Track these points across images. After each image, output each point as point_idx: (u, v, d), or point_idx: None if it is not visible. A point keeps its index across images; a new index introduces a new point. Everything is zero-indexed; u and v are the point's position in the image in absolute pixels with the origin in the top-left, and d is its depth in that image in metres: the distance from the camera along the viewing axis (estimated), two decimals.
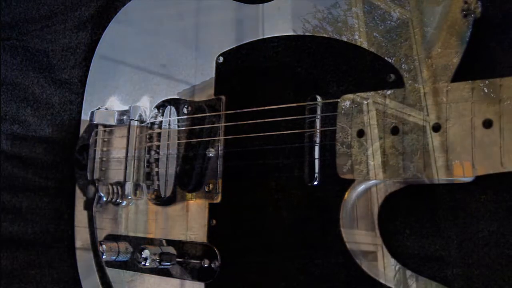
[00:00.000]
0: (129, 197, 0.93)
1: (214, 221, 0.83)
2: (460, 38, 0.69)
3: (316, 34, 0.78)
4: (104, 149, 0.99)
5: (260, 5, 0.85)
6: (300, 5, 0.81)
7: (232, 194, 0.82)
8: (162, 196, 0.90)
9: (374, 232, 0.71)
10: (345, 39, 0.76)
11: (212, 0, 0.91)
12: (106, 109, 1.00)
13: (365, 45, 0.74)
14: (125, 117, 0.96)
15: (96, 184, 0.91)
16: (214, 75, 0.87)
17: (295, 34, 0.81)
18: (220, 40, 0.88)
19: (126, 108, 0.97)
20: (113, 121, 0.98)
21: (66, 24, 1.10)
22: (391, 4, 0.74)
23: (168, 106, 0.92)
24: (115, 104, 1.00)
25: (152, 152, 0.92)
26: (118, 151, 0.97)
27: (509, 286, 0.70)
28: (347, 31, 0.76)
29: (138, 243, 0.90)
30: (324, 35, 0.78)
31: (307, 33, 0.80)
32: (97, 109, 1.00)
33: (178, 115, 0.90)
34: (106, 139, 0.99)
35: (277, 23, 0.83)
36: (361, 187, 0.72)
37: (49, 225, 1.07)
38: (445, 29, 0.70)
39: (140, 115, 0.94)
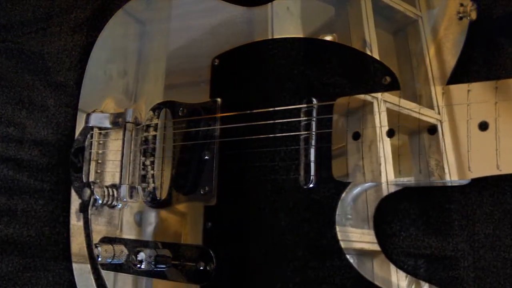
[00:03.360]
0: (125, 200, 0.92)
1: (210, 224, 0.83)
2: (456, 40, 0.69)
3: (317, 36, 0.78)
4: (100, 151, 0.99)
5: (264, 6, 0.85)
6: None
7: (227, 197, 0.82)
8: (158, 198, 0.90)
9: (370, 234, 0.71)
10: (342, 41, 0.76)
11: (211, 2, 0.91)
12: (102, 111, 1.00)
13: (367, 47, 0.74)
14: (120, 119, 0.96)
15: (92, 187, 0.91)
16: (209, 78, 0.87)
17: (292, 36, 0.81)
18: (216, 43, 0.88)
19: (121, 110, 0.97)
20: (108, 124, 0.97)
21: (62, 27, 1.10)
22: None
23: (164, 109, 0.92)
24: (111, 106, 1.00)
25: (148, 155, 0.92)
26: (113, 154, 0.97)
27: None
28: (349, 32, 0.76)
29: (134, 246, 0.90)
30: (323, 38, 0.78)
31: (307, 36, 0.80)
32: (93, 112, 1.00)
33: (173, 118, 0.90)
34: (101, 142, 0.99)
35: (275, 25, 0.83)
36: (357, 189, 0.72)
37: (45, 228, 1.06)
38: (441, 32, 0.70)
39: (136, 118, 0.94)
